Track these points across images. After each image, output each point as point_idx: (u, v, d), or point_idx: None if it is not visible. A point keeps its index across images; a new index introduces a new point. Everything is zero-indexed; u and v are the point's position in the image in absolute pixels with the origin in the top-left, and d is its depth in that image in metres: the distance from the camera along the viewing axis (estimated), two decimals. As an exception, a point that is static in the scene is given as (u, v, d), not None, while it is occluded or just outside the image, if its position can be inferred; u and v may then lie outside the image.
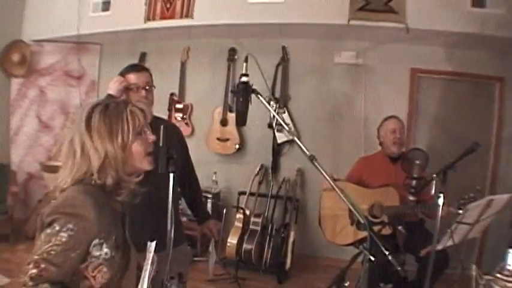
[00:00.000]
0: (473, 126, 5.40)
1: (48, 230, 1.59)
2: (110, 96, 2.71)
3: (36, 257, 1.55)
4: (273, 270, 5.38)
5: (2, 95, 6.86)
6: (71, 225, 1.59)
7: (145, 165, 1.85)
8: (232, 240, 5.46)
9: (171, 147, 2.25)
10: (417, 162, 3.59)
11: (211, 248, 3.19)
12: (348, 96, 5.81)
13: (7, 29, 6.70)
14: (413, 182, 3.56)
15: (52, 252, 1.56)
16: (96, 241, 1.67)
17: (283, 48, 5.92)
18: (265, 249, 5.46)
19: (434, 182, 3.13)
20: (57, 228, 1.58)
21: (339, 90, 5.84)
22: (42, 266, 1.54)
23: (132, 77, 2.82)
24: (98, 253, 1.68)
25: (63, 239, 1.57)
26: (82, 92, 6.90)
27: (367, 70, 5.69)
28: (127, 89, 2.80)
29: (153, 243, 1.90)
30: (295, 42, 5.92)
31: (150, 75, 2.94)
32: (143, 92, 2.82)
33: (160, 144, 2.19)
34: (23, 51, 6.76)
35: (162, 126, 2.24)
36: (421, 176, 3.56)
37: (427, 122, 5.69)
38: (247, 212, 5.66)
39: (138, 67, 2.97)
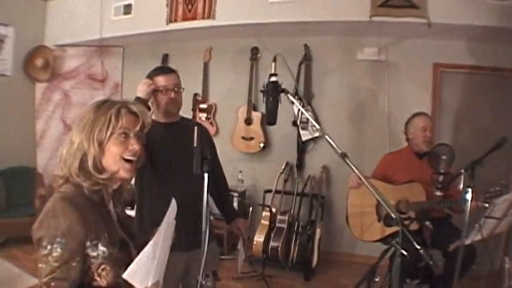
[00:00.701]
0: (498, 120, 5.35)
1: (42, 251, 1.64)
2: (137, 98, 2.76)
3: (44, 279, 1.62)
4: (299, 267, 5.40)
5: (27, 99, 6.99)
6: (58, 238, 1.63)
7: (118, 168, 1.82)
8: (258, 238, 5.49)
9: (205, 148, 2.28)
10: (443, 157, 3.58)
11: (240, 246, 3.22)
12: (371, 92, 5.81)
13: (30, 34, 6.82)
14: (440, 178, 3.56)
15: (55, 270, 1.62)
16: (88, 243, 1.70)
17: (306, 46, 5.91)
18: (292, 246, 5.48)
19: (462, 177, 3.13)
20: (49, 246, 1.63)
21: (362, 87, 5.84)
22: (52, 284, 1.61)
23: (161, 79, 2.86)
24: (95, 253, 1.72)
25: (58, 254, 1.62)
26: (106, 95, 6.95)
27: (390, 66, 5.68)
28: (155, 91, 2.84)
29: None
30: (318, 40, 5.92)
31: (178, 77, 2.96)
32: (172, 94, 2.85)
33: (195, 145, 2.23)
34: (46, 56, 6.88)
35: (196, 127, 2.27)
36: (448, 172, 3.55)
37: (451, 116, 5.65)
38: (274, 210, 5.69)
39: (167, 69, 2.99)
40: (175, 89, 2.88)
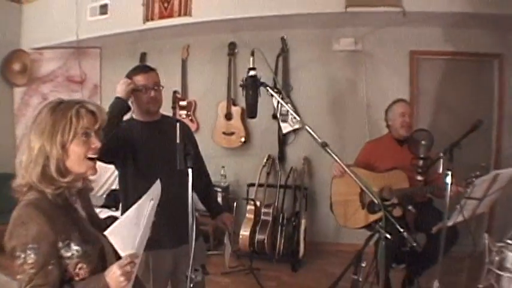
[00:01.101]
0: (475, 104, 5.46)
1: (17, 261, 1.65)
2: (117, 98, 2.75)
3: None
4: (286, 259, 5.46)
5: (6, 104, 6.94)
6: (30, 245, 1.64)
7: (84, 169, 1.83)
8: (244, 232, 5.52)
9: (188, 144, 2.29)
10: (423, 142, 3.63)
11: (226, 240, 3.22)
12: (350, 82, 5.85)
13: (6, 39, 6.75)
14: (420, 162, 3.61)
15: (33, 277, 1.63)
16: (60, 244, 1.71)
17: (282, 39, 5.94)
18: (278, 238, 5.54)
19: (441, 160, 3.19)
20: (22, 255, 1.63)
21: (340, 78, 5.88)
22: None
23: (140, 79, 2.84)
24: (69, 254, 1.72)
25: (33, 261, 1.63)
26: (85, 97, 6.90)
27: (367, 56, 5.73)
28: (135, 90, 2.82)
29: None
30: (294, 32, 5.94)
31: (157, 75, 2.95)
32: (152, 93, 2.84)
33: (178, 141, 2.24)
34: (23, 60, 6.84)
35: (178, 124, 2.29)
36: (427, 156, 3.61)
37: (429, 103, 5.72)
38: (258, 203, 5.71)
39: (146, 68, 2.98)
40: (155, 87, 2.87)
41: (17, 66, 6.78)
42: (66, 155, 1.77)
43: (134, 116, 2.95)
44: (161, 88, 2.94)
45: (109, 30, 6.12)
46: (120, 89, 2.78)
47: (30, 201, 1.73)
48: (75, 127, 1.77)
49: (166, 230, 2.55)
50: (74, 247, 1.74)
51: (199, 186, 3.15)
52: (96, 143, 1.84)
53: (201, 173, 3.25)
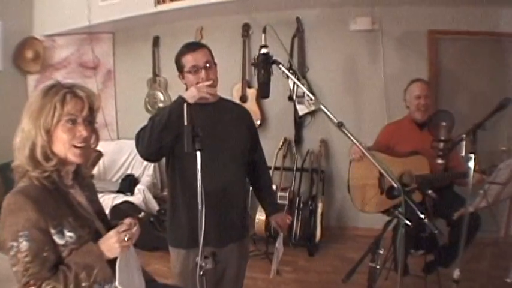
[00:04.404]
0: (498, 85, 5.30)
1: (11, 252, 1.62)
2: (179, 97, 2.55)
3: (23, 280, 1.61)
4: (303, 243, 5.41)
5: (19, 92, 6.89)
6: (20, 232, 1.60)
7: (69, 156, 1.78)
8: (260, 216, 5.44)
9: (197, 126, 2.10)
10: (443, 124, 3.51)
11: (278, 243, 3.06)
12: (367, 63, 5.73)
13: (18, 26, 6.74)
14: (441, 145, 3.50)
15: (28, 266, 1.60)
16: (52, 230, 1.67)
17: (298, 19, 5.82)
18: (294, 223, 5.49)
19: (463, 142, 3.07)
20: (15, 244, 1.61)
21: (357, 58, 5.77)
22: (32, 282, 1.60)
23: (189, 58, 2.67)
24: (63, 241, 1.70)
25: (26, 247, 1.60)
26: (99, 82, 6.91)
27: (384, 35, 5.59)
28: (186, 72, 2.66)
29: None
30: (309, 12, 5.82)
31: (209, 51, 2.77)
32: (203, 72, 2.62)
33: (185, 123, 2.08)
34: (35, 47, 6.83)
35: (185, 104, 2.14)
36: (448, 138, 3.50)
37: (450, 84, 5.56)
38: (274, 187, 5.59)
39: (194, 45, 2.79)
40: (207, 65, 2.66)
41: (29, 54, 6.77)
42: (51, 141, 1.74)
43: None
44: (214, 65, 2.74)
45: (121, 15, 6.03)
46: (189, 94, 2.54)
47: (19, 189, 1.71)
48: (60, 113, 1.73)
49: (211, 225, 2.21)
50: (67, 233, 1.71)
51: (255, 181, 3.04)
52: (82, 132, 1.78)
53: (259, 166, 3.09)
